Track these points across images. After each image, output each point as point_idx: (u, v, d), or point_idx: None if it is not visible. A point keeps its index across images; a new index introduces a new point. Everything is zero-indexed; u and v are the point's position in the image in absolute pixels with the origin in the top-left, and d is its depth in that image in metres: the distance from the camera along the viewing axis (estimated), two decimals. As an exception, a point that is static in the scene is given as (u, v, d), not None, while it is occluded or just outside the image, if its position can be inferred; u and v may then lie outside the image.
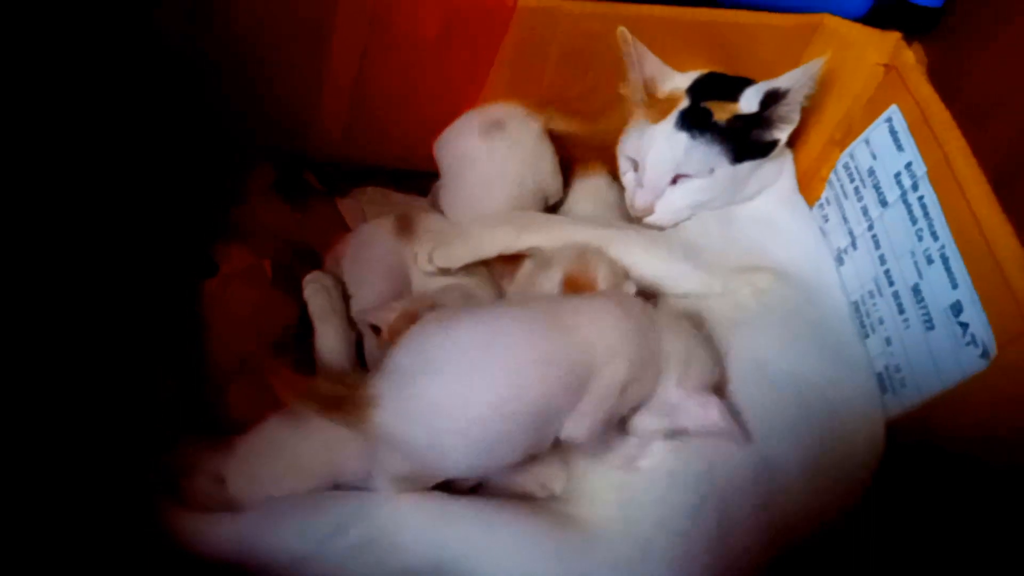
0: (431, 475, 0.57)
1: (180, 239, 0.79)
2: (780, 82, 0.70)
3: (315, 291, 0.78)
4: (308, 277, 0.80)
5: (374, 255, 0.81)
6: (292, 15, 0.74)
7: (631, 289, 0.67)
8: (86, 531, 0.58)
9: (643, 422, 0.59)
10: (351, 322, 0.77)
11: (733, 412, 0.59)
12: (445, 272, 0.77)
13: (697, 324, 0.65)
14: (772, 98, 0.70)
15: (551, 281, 0.69)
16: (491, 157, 0.81)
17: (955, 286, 0.59)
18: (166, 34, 0.74)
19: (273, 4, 0.74)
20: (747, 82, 0.73)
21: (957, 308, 0.58)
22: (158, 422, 0.68)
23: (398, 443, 0.53)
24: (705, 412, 0.57)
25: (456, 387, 0.52)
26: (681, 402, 0.58)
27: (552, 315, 0.57)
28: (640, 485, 0.60)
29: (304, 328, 0.77)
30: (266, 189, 0.88)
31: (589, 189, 0.88)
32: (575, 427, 0.55)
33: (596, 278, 0.68)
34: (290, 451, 0.64)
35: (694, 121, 0.72)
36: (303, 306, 0.78)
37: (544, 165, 0.82)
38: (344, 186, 0.94)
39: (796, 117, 0.72)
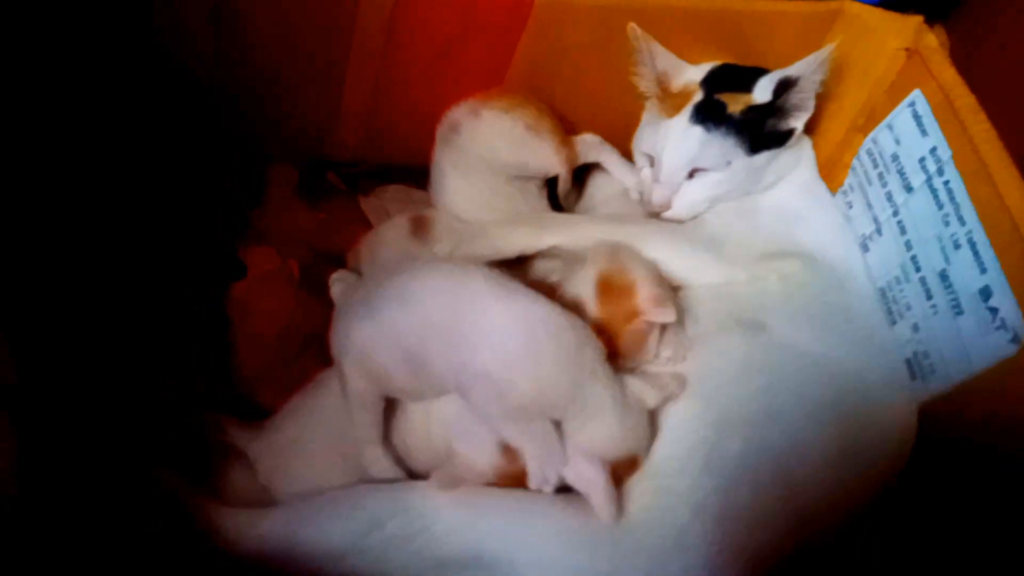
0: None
1: (208, 243, 0.80)
2: (792, 70, 0.70)
3: (342, 290, 0.79)
4: (334, 276, 0.80)
5: (390, 256, 0.81)
6: (312, 19, 0.75)
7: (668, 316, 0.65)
8: (112, 529, 0.59)
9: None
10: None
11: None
12: None
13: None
14: (785, 87, 0.70)
15: (585, 280, 0.67)
16: (451, 159, 0.81)
17: (983, 271, 0.59)
18: (190, 40, 0.75)
19: (293, 8, 0.74)
20: (761, 72, 0.73)
21: (986, 293, 0.58)
22: (159, 423, 0.69)
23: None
24: (583, 475, 0.58)
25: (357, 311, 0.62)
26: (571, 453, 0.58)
27: (479, 293, 0.60)
28: (674, 468, 0.60)
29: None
30: (289, 192, 0.89)
31: (607, 182, 0.88)
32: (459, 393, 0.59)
33: (635, 279, 0.66)
34: (313, 417, 0.67)
35: (708, 114, 0.72)
36: (331, 305, 0.79)
37: (512, 156, 0.80)
38: (366, 185, 0.94)
39: (811, 105, 0.72)
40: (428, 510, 0.58)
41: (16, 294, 0.56)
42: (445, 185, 0.83)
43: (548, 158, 0.81)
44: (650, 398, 0.61)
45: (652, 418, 0.62)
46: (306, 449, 0.66)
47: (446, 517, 0.58)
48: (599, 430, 0.58)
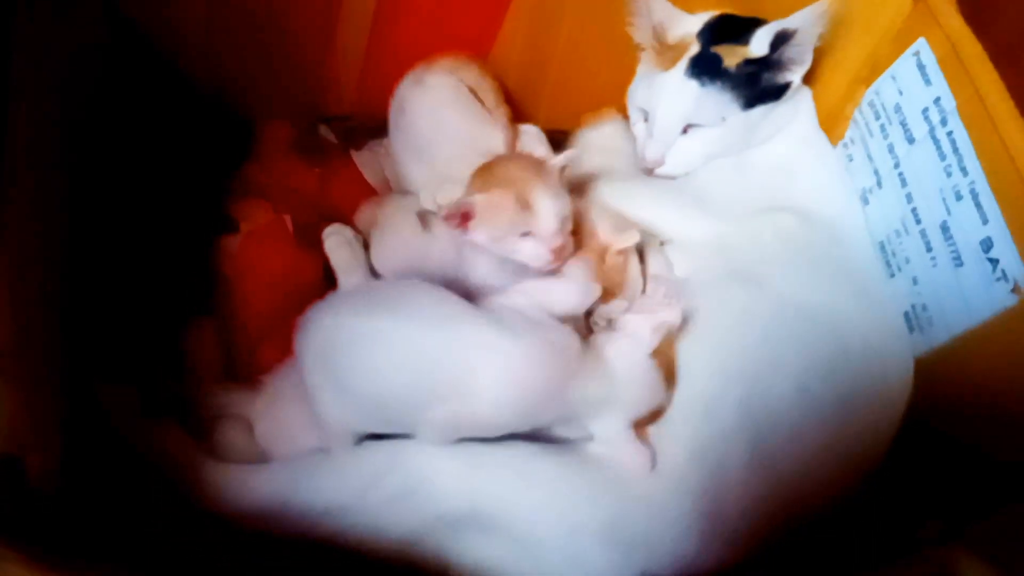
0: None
1: (201, 200, 0.79)
2: (789, 22, 0.69)
3: (336, 244, 0.78)
4: (328, 230, 0.79)
5: (397, 242, 0.80)
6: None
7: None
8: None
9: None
10: (374, 274, 0.77)
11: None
12: None
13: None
14: (782, 40, 0.69)
15: None
16: (406, 141, 0.82)
17: (985, 222, 0.58)
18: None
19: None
20: (759, 23, 0.72)
21: (987, 244, 0.58)
22: (157, 382, 0.69)
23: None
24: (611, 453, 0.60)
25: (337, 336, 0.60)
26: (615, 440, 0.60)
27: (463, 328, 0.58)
28: (676, 416, 0.61)
29: (330, 282, 0.77)
30: (284, 147, 0.88)
31: (600, 138, 0.86)
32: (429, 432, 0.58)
33: (593, 220, 0.70)
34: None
35: (704, 68, 0.71)
36: (326, 259, 0.78)
37: (467, 117, 0.81)
38: (360, 139, 0.93)
39: (808, 58, 0.71)
40: (427, 465, 0.58)
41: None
42: (409, 172, 0.83)
43: (487, 117, 0.82)
44: (647, 343, 0.60)
45: (668, 363, 0.63)
46: (302, 416, 0.65)
47: (444, 472, 0.58)
48: (610, 423, 0.59)
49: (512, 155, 0.69)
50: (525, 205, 0.63)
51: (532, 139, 0.86)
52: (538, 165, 0.66)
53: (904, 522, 0.60)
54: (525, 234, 0.64)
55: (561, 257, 0.65)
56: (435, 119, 0.81)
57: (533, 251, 0.64)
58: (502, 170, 0.66)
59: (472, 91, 0.81)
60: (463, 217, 0.64)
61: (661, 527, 0.57)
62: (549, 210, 0.64)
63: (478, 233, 0.65)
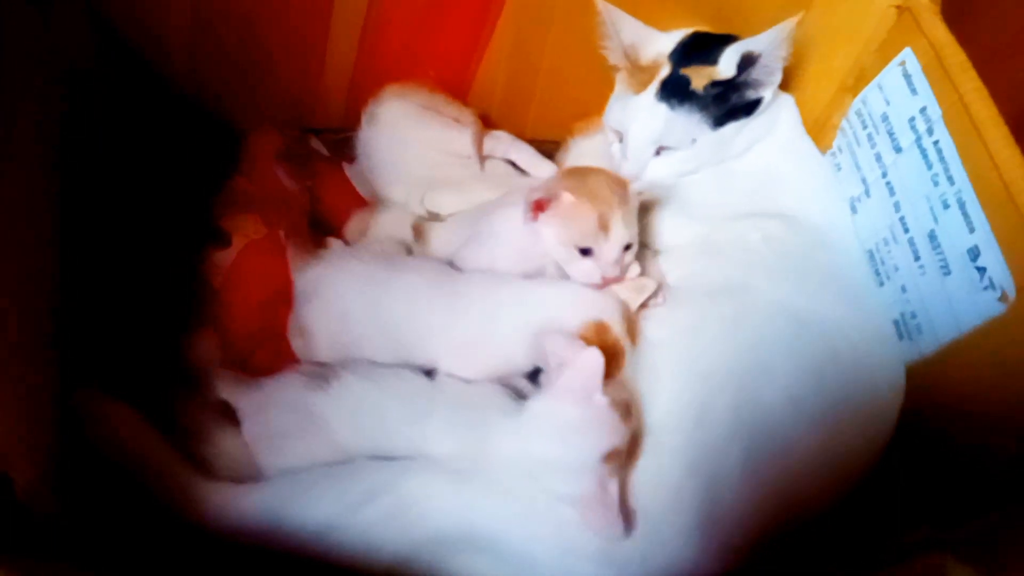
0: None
1: (190, 210, 0.79)
2: (754, 44, 0.69)
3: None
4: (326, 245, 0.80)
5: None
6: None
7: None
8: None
9: None
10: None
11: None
12: (434, 218, 0.80)
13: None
14: (748, 62, 0.69)
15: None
16: (369, 143, 0.85)
17: (972, 230, 0.59)
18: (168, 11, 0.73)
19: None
20: (732, 40, 0.71)
21: (974, 252, 0.58)
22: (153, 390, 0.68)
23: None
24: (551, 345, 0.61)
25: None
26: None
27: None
28: (669, 425, 0.60)
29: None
30: (272, 157, 0.87)
31: (591, 147, 0.86)
32: None
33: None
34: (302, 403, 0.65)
35: (673, 91, 0.71)
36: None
37: (428, 127, 0.84)
38: (351, 151, 0.93)
39: (777, 76, 0.71)
40: (421, 485, 0.58)
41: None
42: (391, 194, 0.85)
43: (449, 122, 0.85)
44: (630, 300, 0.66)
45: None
46: (292, 422, 0.65)
47: (439, 492, 0.57)
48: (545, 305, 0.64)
49: (606, 171, 0.69)
50: (604, 227, 0.64)
51: (505, 144, 0.87)
52: (624, 189, 0.66)
53: (893, 527, 0.60)
54: (585, 251, 0.65)
55: (608, 284, 0.66)
56: (398, 141, 0.83)
57: (589, 269, 0.66)
58: (595, 184, 0.66)
59: (426, 108, 0.84)
60: (540, 204, 0.66)
61: (658, 543, 0.56)
62: (618, 239, 0.65)
63: (548, 226, 0.66)
